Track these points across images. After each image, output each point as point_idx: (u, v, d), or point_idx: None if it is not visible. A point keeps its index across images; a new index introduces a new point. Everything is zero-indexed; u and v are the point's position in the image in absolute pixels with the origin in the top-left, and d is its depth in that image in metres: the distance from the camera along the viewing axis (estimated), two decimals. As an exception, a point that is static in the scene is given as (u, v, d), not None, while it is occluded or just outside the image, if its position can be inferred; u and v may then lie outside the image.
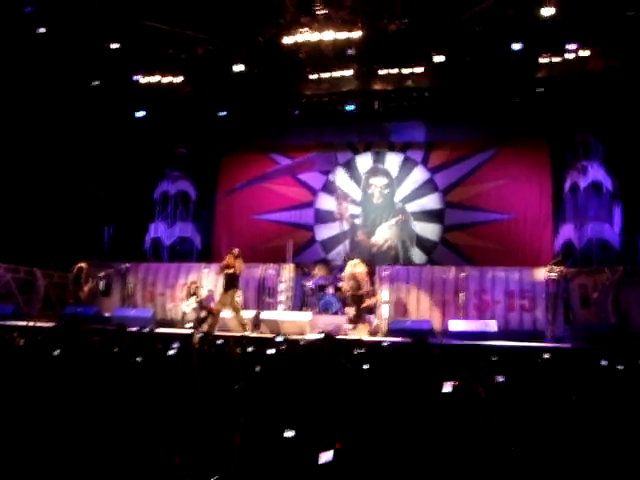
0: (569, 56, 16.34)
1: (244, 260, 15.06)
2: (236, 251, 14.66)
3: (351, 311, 15.36)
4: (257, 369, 6.51)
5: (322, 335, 11.68)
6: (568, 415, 4.59)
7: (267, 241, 20.59)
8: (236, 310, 14.43)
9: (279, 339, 10.35)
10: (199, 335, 11.60)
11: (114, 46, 17.26)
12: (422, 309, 15.70)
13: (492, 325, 14.50)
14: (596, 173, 18.37)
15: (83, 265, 16.82)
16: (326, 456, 3.44)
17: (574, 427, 4.22)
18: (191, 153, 21.94)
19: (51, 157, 19.27)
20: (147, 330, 12.43)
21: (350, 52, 17.16)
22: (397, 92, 18.84)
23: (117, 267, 18.01)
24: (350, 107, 19.58)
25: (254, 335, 13.74)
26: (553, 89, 17.69)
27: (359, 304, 15.12)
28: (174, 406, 4.54)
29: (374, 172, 21.13)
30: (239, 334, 13.70)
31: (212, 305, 15.61)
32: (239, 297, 14.85)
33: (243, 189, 21.96)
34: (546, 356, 7.95)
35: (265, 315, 15.52)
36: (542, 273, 15.75)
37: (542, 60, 16.78)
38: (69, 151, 20.02)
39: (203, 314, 15.72)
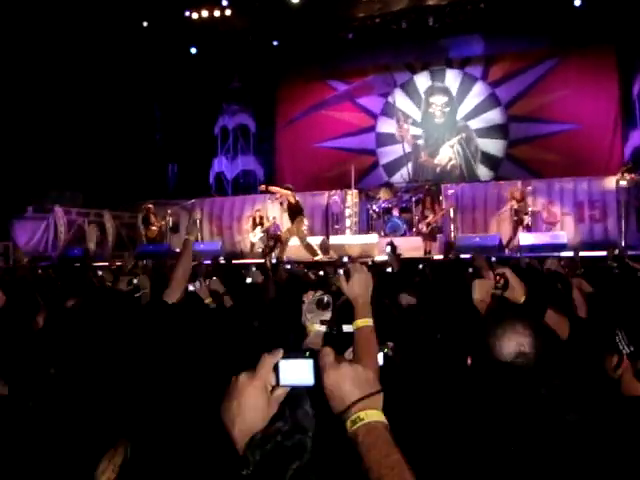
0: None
1: (308, 189, 15.04)
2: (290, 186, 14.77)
3: (424, 228, 15.27)
4: (333, 288, 6.63)
5: (388, 247, 11.74)
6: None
7: (330, 168, 20.46)
8: (302, 238, 14.53)
9: (345, 260, 10.50)
10: (270, 262, 11.82)
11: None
12: (491, 224, 15.59)
13: (562, 237, 14.32)
14: (667, 75, 17.67)
15: (150, 206, 17.17)
16: None
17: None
18: (247, 85, 21.83)
19: (110, 100, 19.46)
20: (222, 259, 12.74)
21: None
22: (451, 6, 18.30)
23: (183, 204, 18.34)
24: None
25: (324, 259, 13.91)
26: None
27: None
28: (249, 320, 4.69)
29: (433, 91, 20.68)
30: (310, 260, 13.90)
31: (278, 233, 15.82)
32: (305, 225, 14.92)
33: (302, 118, 21.81)
34: (616, 252, 7.86)
35: (333, 240, 15.69)
36: (612, 182, 15.34)
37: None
38: (126, 93, 20.18)
39: (271, 242, 15.93)
